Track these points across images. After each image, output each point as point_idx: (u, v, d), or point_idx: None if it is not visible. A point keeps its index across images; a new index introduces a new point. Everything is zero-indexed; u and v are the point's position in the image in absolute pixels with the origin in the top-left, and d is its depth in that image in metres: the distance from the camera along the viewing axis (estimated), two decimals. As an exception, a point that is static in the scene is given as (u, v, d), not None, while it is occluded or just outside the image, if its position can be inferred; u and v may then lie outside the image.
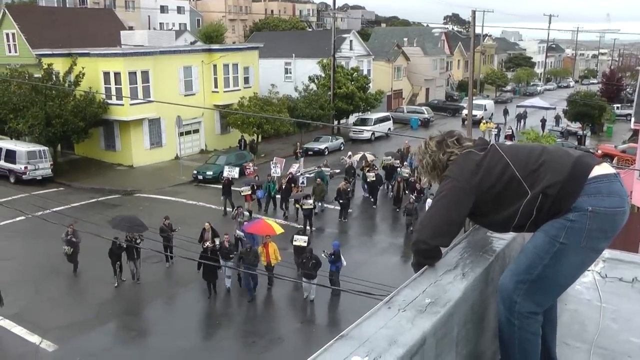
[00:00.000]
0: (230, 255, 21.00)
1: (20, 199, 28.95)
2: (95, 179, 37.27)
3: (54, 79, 37.89)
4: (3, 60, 45.49)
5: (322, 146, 46.01)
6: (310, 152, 44.91)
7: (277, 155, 44.16)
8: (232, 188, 29.90)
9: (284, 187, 29.57)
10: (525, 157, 3.16)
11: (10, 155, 35.69)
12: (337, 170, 34.06)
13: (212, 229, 22.29)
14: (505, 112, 61.92)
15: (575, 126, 55.96)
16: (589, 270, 3.82)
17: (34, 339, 17.36)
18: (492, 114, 61.97)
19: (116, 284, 21.04)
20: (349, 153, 37.33)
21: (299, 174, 33.11)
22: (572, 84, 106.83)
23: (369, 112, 55.03)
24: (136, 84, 39.55)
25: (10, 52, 47.26)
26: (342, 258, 20.79)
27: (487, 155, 3.20)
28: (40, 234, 25.67)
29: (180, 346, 17.31)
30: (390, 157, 34.63)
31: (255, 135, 44.67)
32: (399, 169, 32.98)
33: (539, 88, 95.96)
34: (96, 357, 16.95)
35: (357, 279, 16.93)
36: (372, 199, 32.10)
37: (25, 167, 35.04)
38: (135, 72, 39.44)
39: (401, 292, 2.83)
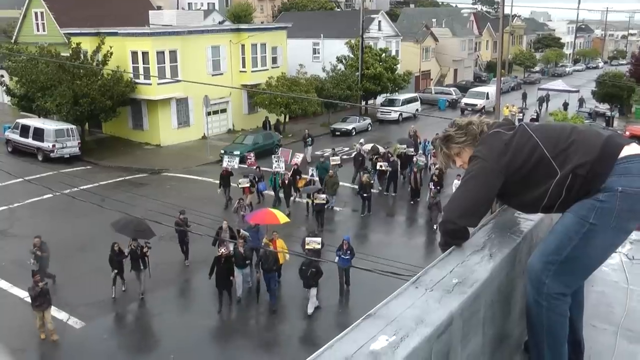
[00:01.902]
0: (247, 262, 18.93)
1: (48, 176, 29.30)
2: (123, 157, 37.57)
3: (82, 58, 38.09)
4: (32, 39, 45.97)
5: (350, 127, 45.90)
6: (337, 133, 44.95)
7: (303, 135, 44.29)
8: (232, 179, 27.79)
9: (286, 181, 27.09)
10: (555, 137, 3.13)
11: (39, 134, 36.02)
12: (338, 162, 30.95)
13: (230, 228, 20.46)
14: (524, 97, 60.25)
15: (603, 107, 55.29)
16: (616, 252, 3.86)
17: (62, 315, 17.61)
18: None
19: (113, 295, 18.64)
20: (361, 140, 35.94)
21: (308, 162, 30.90)
22: (601, 64, 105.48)
23: (397, 93, 54.80)
24: (164, 63, 39.66)
25: (38, 31, 47.71)
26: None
27: (516, 134, 3.17)
28: (67, 212, 26.00)
29: (204, 325, 17.43)
30: (404, 145, 32.61)
31: (283, 115, 44.70)
32: (414, 158, 30.89)
33: (567, 69, 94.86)
34: (122, 336, 17.16)
35: (386, 259, 16.85)
36: (385, 192, 30.01)
37: (53, 145, 35.38)
38: (163, 52, 39.53)
39: (428, 272, 2.84)
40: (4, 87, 43.53)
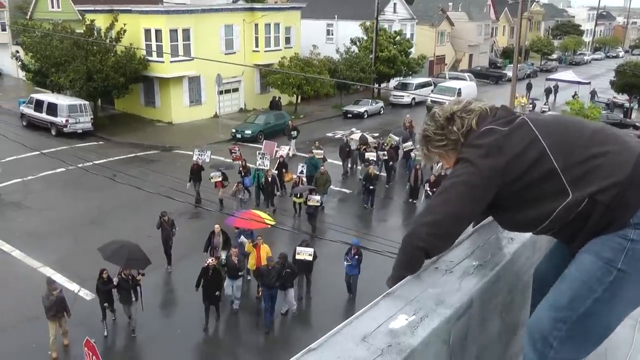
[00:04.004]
0: (239, 273, 17.04)
1: (61, 151, 29.41)
2: (135, 134, 37.64)
3: (96, 34, 38.18)
4: (46, 16, 46.11)
5: (362, 109, 45.70)
6: (349, 115, 44.77)
7: (315, 116, 44.24)
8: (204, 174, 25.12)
9: (269, 178, 24.22)
10: (570, 142, 2.43)
11: (52, 109, 36.19)
12: (321, 156, 27.67)
13: (223, 232, 18.51)
14: (529, 87, 55.43)
15: (622, 98, 54.25)
16: None
17: (73, 286, 17.79)
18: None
19: (105, 333, 15.83)
20: (352, 129, 34.36)
21: (290, 157, 28.13)
22: (621, 53, 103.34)
23: (411, 77, 54.47)
24: (177, 41, 39.62)
25: (53, 7, 47.87)
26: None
27: (515, 132, 2.47)
28: (80, 186, 26.18)
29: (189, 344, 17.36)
30: (398, 138, 30.08)
31: (295, 96, 44.59)
32: (412, 153, 28.25)
33: (586, 57, 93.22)
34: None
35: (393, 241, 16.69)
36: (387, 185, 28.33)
37: (67, 120, 35.53)
38: (177, 30, 39.45)
39: (449, 253, 2.78)
40: (19, 63, 43.68)
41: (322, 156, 27.56)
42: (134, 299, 15.81)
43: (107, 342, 15.71)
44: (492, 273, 2.63)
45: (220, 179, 24.16)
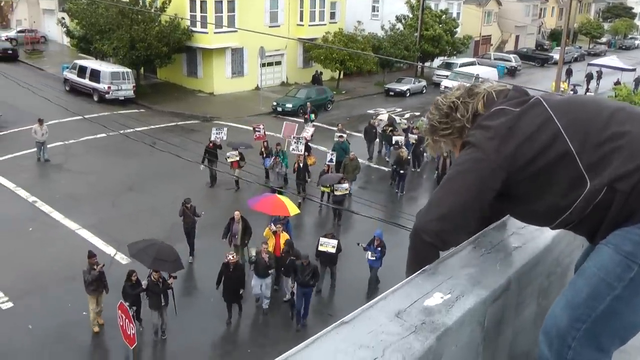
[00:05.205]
0: (269, 271, 15.79)
1: (102, 116, 29.80)
2: (176, 103, 37.93)
3: (141, 3, 38.55)
4: (93, -17, 46.37)
5: (404, 87, 45.32)
6: (391, 93, 44.47)
7: (357, 93, 43.98)
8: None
9: (301, 164, 22.62)
10: (585, 121, 2.20)
11: (95, 75, 36.65)
12: (343, 138, 26.14)
13: (243, 219, 17.38)
14: (569, 73, 51.47)
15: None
16: None
17: (110, 250, 18.16)
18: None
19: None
20: (381, 109, 33.45)
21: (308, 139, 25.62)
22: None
23: (455, 57, 53.82)
24: (222, 12, 39.64)
25: (100, -26, 48.06)
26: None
27: (526, 112, 2.26)
28: (120, 152, 26.55)
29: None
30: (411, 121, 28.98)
31: (337, 71, 44.35)
32: None
33: (637, 42, 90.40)
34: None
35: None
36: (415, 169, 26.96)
37: (109, 87, 35.94)
38: (222, 1, 39.49)
39: (487, 234, 2.70)
40: (65, 29, 44.22)
41: (344, 139, 25.97)
42: (163, 303, 14.44)
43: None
44: (531, 256, 2.54)
45: (237, 158, 23.23)
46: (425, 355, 1.85)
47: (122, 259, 17.49)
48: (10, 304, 15.65)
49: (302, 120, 32.12)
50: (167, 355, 14.68)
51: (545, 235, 2.72)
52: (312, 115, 32.58)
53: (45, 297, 15.91)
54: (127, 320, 12.02)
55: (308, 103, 35.14)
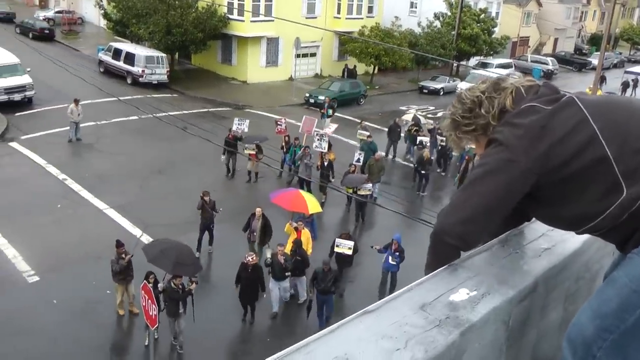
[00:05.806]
0: (286, 274, 15.22)
1: (135, 99, 30.04)
2: (209, 90, 38.12)
3: (179, -11, 38.72)
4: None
5: (439, 86, 45.03)
6: (425, 91, 44.25)
7: (390, 89, 43.77)
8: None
9: (325, 162, 22.06)
10: (623, 123, 2.08)
11: (129, 58, 37.01)
12: (365, 137, 25.41)
13: (264, 216, 16.84)
14: (602, 80, 47.11)
15: None
16: None
17: (136, 231, 18.34)
18: None
19: (146, 342, 13.37)
20: (413, 106, 33.14)
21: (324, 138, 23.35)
22: None
23: (491, 57, 53.29)
24: (259, 1, 39.73)
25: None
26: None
27: (560, 111, 2.13)
28: (151, 135, 26.79)
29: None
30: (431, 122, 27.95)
31: (372, 66, 44.24)
32: None
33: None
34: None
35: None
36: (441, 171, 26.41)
37: (143, 71, 36.31)
38: (260, -10, 39.56)
39: (516, 234, 2.66)
40: (102, 12, 44.84)
41: (365, 137, 25.28)
42: (181, 310, 13.44)
43: (147, 352, 13.12)
44: (560, 259, 2.49)
45: (255, 151, 22.85)
46: (447, 350, 1.82)
47: (148, 240, 17.62)
48: (36, 278, 15.91)
49: (320, 115, 31.34)
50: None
51: (575, 239, 2.66)
52: (330, 111, 31.74)
53: (71, 273, 16.12)
54: (149, 301, 12.10)
55: (326, 97, 34.30)
